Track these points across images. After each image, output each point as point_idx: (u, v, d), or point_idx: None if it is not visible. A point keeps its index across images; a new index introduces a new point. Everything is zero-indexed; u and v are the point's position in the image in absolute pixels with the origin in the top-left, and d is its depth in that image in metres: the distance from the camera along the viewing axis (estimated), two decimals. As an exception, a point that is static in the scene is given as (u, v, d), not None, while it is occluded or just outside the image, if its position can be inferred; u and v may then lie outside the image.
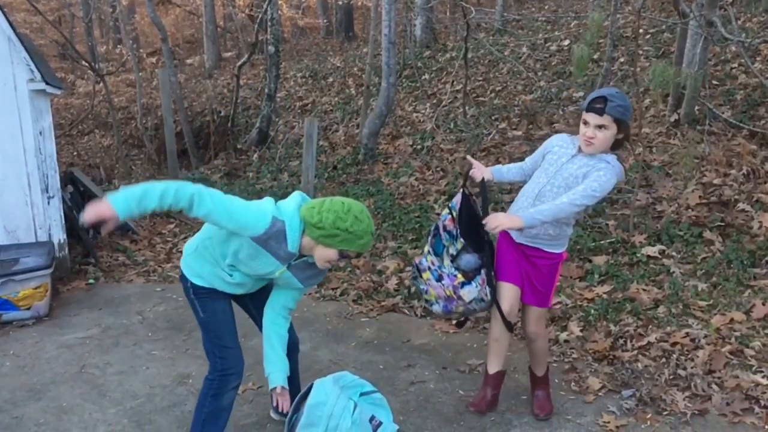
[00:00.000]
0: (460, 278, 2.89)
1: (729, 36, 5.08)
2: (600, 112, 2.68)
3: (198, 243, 2.66)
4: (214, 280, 2.65)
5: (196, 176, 8.31)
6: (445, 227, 2.98)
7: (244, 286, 2.70)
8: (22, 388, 3.55)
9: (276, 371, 2.68)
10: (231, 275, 2.61)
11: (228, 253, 2.54)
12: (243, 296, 2.82)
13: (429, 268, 2.99)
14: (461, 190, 3.03)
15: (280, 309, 2.72)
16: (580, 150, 2.79)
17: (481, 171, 3.01)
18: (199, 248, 2.64)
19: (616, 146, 2.81)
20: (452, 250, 2.93)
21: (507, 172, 3.10)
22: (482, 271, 2.90)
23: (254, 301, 2.86)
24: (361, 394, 2.84)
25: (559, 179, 2.79)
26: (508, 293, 2.92)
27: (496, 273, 2.95)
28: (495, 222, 2.68)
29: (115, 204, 2.26)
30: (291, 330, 2.86)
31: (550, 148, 2.93)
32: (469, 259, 2.90)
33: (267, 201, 2.51)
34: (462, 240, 2.90)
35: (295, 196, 2.56)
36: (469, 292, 2.88)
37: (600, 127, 2.70)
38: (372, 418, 2.78)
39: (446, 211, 3.00)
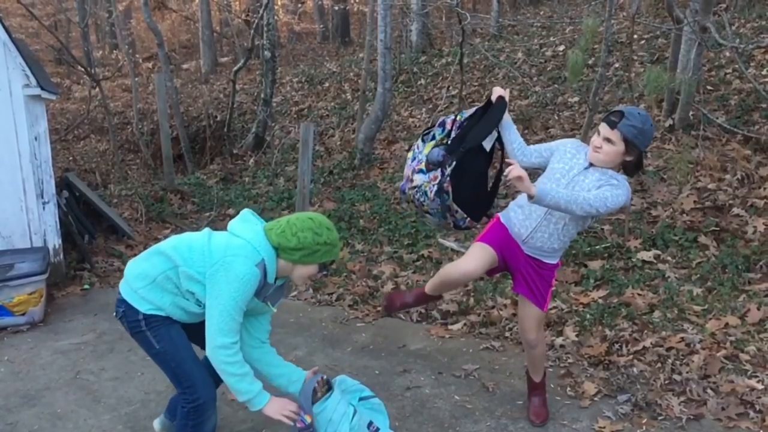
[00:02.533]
0: (421, 165, 2.94)
1: (723, 41, 5.11)
2: (612, 125, 2.63)
3: (158, 274, 2.48)
4: (175, 310, 2.52)
5: (192, 181, 8.31)
6: (444, 123, 2.99)
7: (200, 315, 2.55)
8: (17, 394, 3.54)
9: (289, 382, 2.67)
10: (199, 305, 2.50)
11: (199, 289, 2.45)
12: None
13: (414, 150, 3.05)
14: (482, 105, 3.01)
15: (263, 338, 2.67)
16: (591, 164, 2.73)
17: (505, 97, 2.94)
18: (159, 279, 2.48)
19: (628, 172, 2.76)
20: (435, 142, 2.97)
21: (513, 133, 2.98)
22: (440, 171, 2.86)
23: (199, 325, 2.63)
24: (360, 399, 2.84)
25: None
26: (480, 252, 2.83)
27: (481, 235, 2.92)
28: (515, 173, 2.46)
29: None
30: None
31: (562, 147, 2.85)
32: (436, 153, 2.90)
33: (245, 251, 2.38)
34: (447, 139, 2.91)
35: (253, 220, 2.53)
36: (419, 179, 2.92)
37: (608, 140, 2.65)
38: (370, 424, 2.77)
39: (459, 115, 2.99)
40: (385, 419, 2.86)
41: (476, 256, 2.83)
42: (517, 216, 2.85)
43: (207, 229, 2.58)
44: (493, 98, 2.93)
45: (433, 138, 2.99)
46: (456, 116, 2.99)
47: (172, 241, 2.55)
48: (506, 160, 2.66)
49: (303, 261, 2.45)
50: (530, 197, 2.53)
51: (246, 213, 2.59)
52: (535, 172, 2.88)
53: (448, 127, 2.97)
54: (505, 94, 2.94)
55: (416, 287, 3.22)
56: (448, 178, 2.86)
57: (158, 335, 2.52)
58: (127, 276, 2.57)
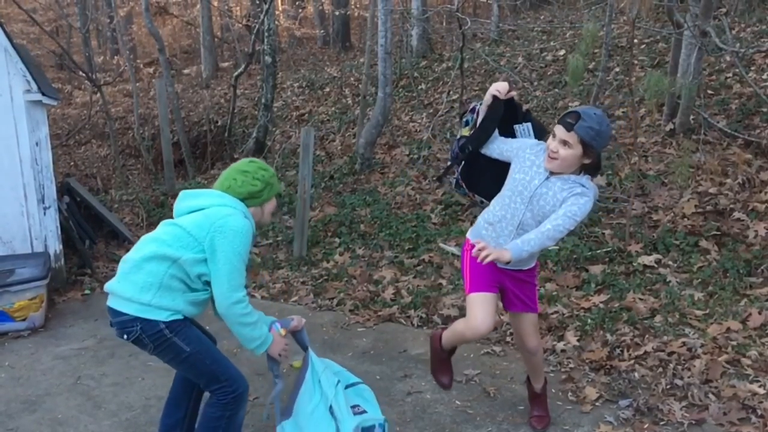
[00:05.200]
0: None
1: (723, 46, 5.11)
2: (568, 127, 2.53)
3: (161, 278, 2.50)
4: (188, 308, 2.58)
5: (193, 186, 8.31)
6: (475, 109, 2.90)
7: (209, 301, 2.65)
8: (17, 400, 3.54)
9: (264, 324, 2.71)
10: (206, 290, 2.58)
11: (207, 268, 2.52)
12: None
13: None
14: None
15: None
16: (552, 172, 2.64)
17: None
18: (165, 282, 2.50)
19: (588, 172, 2.68)
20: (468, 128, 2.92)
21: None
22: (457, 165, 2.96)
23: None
24: (346, 387, 2.89)
25: (536, 208, 2.66)
26: (484, 306, 2.77)
27: (468, 284, 2.85)
28: (484, 252, 2.48)
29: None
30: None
31: (522, 154, 2.74)
32: (454, 148, 2.95)
33: (228, 211, 2.56)
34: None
35: (200, 191, 2.67)
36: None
37: (564, 143, 2.55)
38: (355, 407, 2.81)
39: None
40: (374, 405, 2.90)
41: (484, 312, 2.76)
42: (489, 234, 2.79)
43: (165, 221, 2.64)
44: (494, 92, 2.73)
45: (467, 123, 2.95)
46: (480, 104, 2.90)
47: (151, 244, 2.54)
48: (474, 241, 2.64)
49: (268, 197, 2.72)
50: (508, 263, 2.55)
51: (186, 192, 2.68)
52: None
53: (476, 116, 2.88)
54: (502, 87, 2.72)
55: (435, 345, 3.15)
56: (460, 176, 2.95)
57: (186, 338, 2.55)
58: (127, 295, 2.50)
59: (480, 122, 2.81)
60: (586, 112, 2.54)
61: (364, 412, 2.80)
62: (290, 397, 2.84)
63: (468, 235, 2.95)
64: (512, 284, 2.86)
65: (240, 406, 2.67)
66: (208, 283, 2.57)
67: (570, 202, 2.58)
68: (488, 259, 2.48)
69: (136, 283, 2.50)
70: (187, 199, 2.67)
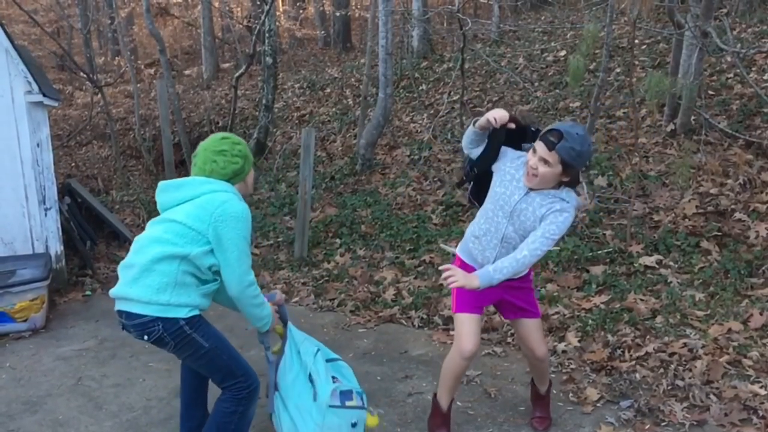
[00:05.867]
0: None
1: (724, 46, 5.11)
2: (550, 146, 2.48)
3: (174, 276, 2.51)
4: (203, 301, 2.61)
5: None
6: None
7: (218, 291, 2.72)
8: (18, 401, 3.54)
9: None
10: (216, 279, 2.63)
11: (211, 258, 2.55)
12: None
13: None
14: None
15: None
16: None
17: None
18: (179, 279, 2.52)
19: (567, 185, 2.63)
20: None
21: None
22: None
23: None
24: (327, 360, 2.94)
25: (517, 223, 2.66)
26: (470, 327, 2.77)
27: (455, 303, 2.84)
28: (452, 278, 2.50)
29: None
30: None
31: (503, 167, 2.73)
32: (466, 165, 2.93)
33: (224, 197, 2.56)
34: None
35: (182, 181, 2.62)
36: None
37: (545, 161, 2.51)
38: (333, 378, 2.85)
39: None
40: (352, 380, 2.96)
41: (470, 333, 2.77)
42: (476, 247, 2.80)
43: (156, 219, 2.63)
44: (490, 119, 2.60)
45: None
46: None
47: (155, 246, 2.52)
48: (440, 268, 2.64)
49: (248, 170, 2.73)
50: (477, 288, 2.54)
51: (166, 184, 2.63)
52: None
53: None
54: (499, 116, 2.58)
55: (435, 413, 3.03)
56: (470, 194, 2.97)
57: (204, 334, 2.59)
58: (145, 298, 2.49)
59: (482, 152, 2.80)
60: (569, 132, 2.48)
61: (342, 384, 2.87)
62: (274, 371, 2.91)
63: (457, 250, 2.95)
64: (508, 294, 2.84)
65: (252, 401, 2.71)
66: (217, 273, 2.60)
67: (549, 221, 2.57)
68: (454, 286, 2.52)
69: (151, 285, 2.49)
70: (170, 191, 2.62)
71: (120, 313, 2.57)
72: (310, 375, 2.79)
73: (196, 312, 2.57)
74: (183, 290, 2.53)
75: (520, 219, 2.65)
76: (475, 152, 2.79)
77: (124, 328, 2.61)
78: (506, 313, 2.93)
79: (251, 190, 2.83)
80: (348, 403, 2.79)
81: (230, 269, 2.54)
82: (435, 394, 3.03)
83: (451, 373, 2.87)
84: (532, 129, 2.79)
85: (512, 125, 2.67)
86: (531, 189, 2.62)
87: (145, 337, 2.53)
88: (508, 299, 2.86)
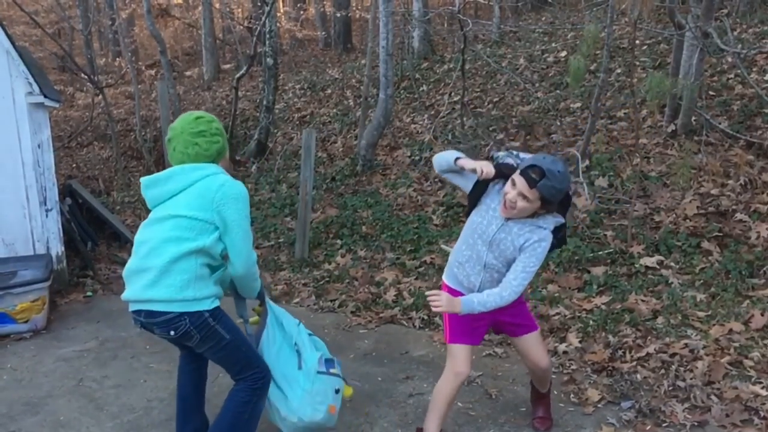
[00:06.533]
0: None
1: (725, 47, 5.11)
2: (531, 183, 2.45)
3: (195, 271, 2.51)
4: (217, 288, 2.64)
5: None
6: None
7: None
8: (20, 402, 3.54)
9: None
10: (223, 264, 2.67)
11: (221, 244, 2.58)
12: None
13: None
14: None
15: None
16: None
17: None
18: (199, 273, 2.52)
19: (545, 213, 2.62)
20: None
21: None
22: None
23: None
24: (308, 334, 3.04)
25: (497, 251, 2.67)
26: (462, 353, 2.78)
27: (448, 333, 2.84)
28: (437, 302, 2.55)
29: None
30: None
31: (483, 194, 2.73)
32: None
33: (221, 179, 2.56)
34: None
35: (170, 172, 2.57)
36: None
37: (524, 197, 2.49)
38: (322, 356, 2.94)
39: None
40: (328, 353, 3.05)
41: (462, 358, 2.78)
42: (461, 272, 2.81)
43: (152, 219, 2.60)
44: (478, 170, 2.54)
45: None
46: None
47: (169, 246, 2.49)
48: (426, 293, 2.66)
49: (227, 146, 2.72)
50: (459, 314, 2.58)
51: (151, 179, 2.58)
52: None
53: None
54: (486, 171, 2.53)
55: None
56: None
57: (225, 325, 2.62)
58: (169, 298, 2.48)
59: (469, 193, 2.77)
60: (550, 170, 2.45)
61: (323, 355, 2.97)
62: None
63: (443, 277, 2.96)
64: (503, 315, 2.81)
65: (265, 392, 2.73)
66: (225, 257, 2.63)
67: (528, 253, 2.59)
68: (439, 310, 2.56)
69: (173, 285, 2.49)
70: (160, 185, 2.57)
71: (138, 312, 2.55)
72: (295, 344, 2.87)
73: (216, 302, 2.60)
74: (203, 283, 2.55)
75: (499, 248, 2.66)
76: (448, 176, 2.77)
77: (143, 327, 2.59)
78: (510, 333, 2.91)
79: (228, 164, 2.82)
80: (332, 371, 2.90)
81: (238, 250, 2.57)
82: (419, 430, 2.93)
83: (444, 397, 2.81)
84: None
85: (495, 182, 2.69)
86: (508, 218, 2.63)
87: (172, 333, 2.53)
88: (503, 319, 2.85)
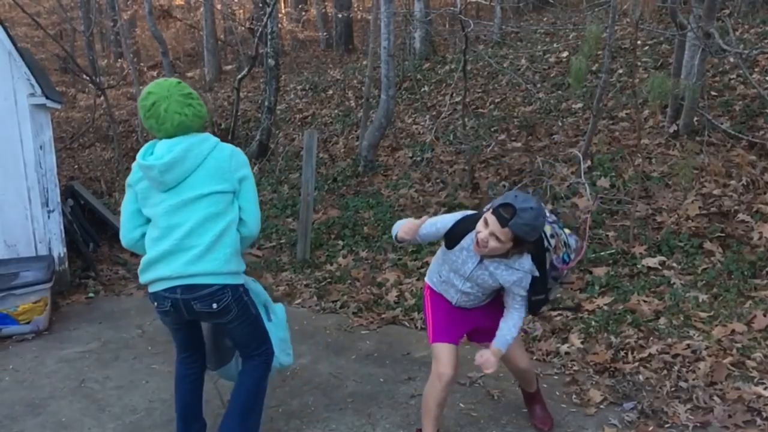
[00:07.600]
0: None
1: (727, 47, 5.11)
2: (502, 223, 2.40)
3: (235, 246, 2.57)
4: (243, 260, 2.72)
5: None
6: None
7: None
8: (21, 403, 3.54)
9: None
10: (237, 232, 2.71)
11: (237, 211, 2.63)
12: None
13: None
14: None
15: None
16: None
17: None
18: (236, 247, 2.59)
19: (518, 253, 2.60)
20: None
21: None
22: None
23: None
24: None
25: (476, 284, 2.71)
26: (447, 353, 2.77)
27: (431, 332, 2.85)
28: (488, 367, 2.60)
29: None
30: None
31: (450, 231, 2.71)
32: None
33: (223, 144, 2.60)
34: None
35: (168, 142, 2.54)
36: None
37: (496, 237, 2.44)
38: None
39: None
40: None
41: (448, 359, 2.76)
42: (442, 287, 2.86)
43: (184, 200, 2.51)
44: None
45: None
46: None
47: (214, 223, 2.51)
48: (476, 361, 2.65)
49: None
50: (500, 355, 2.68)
51: (166, 163, 2.47)
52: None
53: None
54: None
55: None
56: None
57: (252, 301, 2.71)
58: (215, 271, 2.49)
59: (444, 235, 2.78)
60: (522, 208, 2.39)
61: None
62: None
63: (426, 279, 2.97)
64: (482, 321, 2.86)
65: (272, 364, 2.86)
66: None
67: (514, 292, 2.68)
68: (491, 369, 2.62)
69: (219, 258, 2.51)
70: (177, 166, 2.47)
71: (173, 289, 2.49)
72: (264, 303, 2.96)
73: (244, 276, 2.68)
74: (239, 257, 2.61)
75: (478, 282, 2.71)
76: (420, 241, 2.79)
77: (173, 306, 2.53)
78: (482, 338, 2.91)
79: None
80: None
81: (251, 210, 2.63)
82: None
83: (434, 400, 2.78)
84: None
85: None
86: (482, 257, 2.63)
87: (214, 305, 2.53)
88: (483, 325, 2.86)
